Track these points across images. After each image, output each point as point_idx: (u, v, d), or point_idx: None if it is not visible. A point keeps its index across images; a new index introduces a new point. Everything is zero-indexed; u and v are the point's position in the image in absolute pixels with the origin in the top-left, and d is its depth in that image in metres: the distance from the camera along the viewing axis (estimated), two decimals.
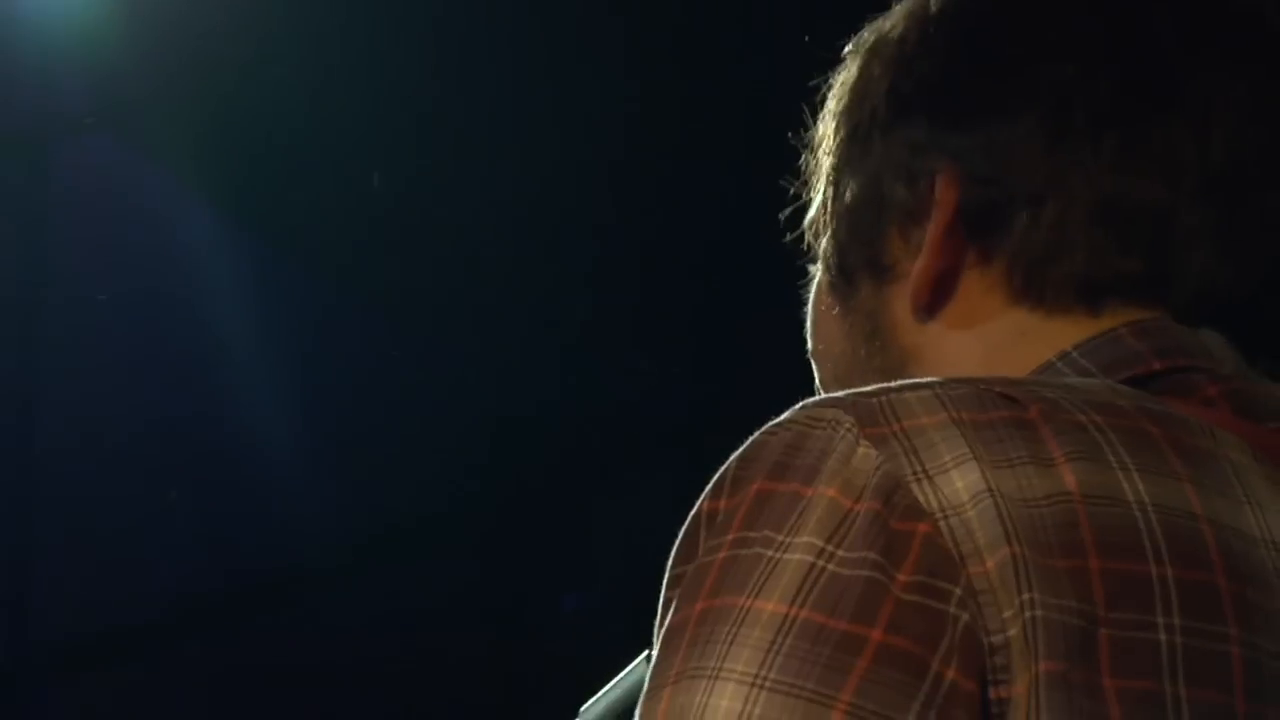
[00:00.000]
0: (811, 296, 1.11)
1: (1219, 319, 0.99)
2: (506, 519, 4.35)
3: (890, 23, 1.06)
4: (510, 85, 3.74)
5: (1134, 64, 1.00)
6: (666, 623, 0.84)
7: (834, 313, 1.08)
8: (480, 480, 4.28)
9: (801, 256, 1.14)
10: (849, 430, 0.84)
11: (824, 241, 1.08)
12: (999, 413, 0.84)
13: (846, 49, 1.09)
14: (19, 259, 4.04)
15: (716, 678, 0.79)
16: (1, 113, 3.84)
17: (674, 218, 3.90)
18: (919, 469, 0.82)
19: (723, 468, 0.86)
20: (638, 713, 0.83)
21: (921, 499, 0.81)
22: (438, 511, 4.32)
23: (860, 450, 0.83)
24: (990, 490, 0.81)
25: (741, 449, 0.86)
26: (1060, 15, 1.02)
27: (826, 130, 1.09)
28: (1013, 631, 0.78)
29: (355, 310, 4.20)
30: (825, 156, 1.09)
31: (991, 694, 0.78)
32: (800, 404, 0.87)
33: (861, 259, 1.05)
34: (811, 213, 1.11)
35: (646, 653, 1.42)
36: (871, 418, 0.84)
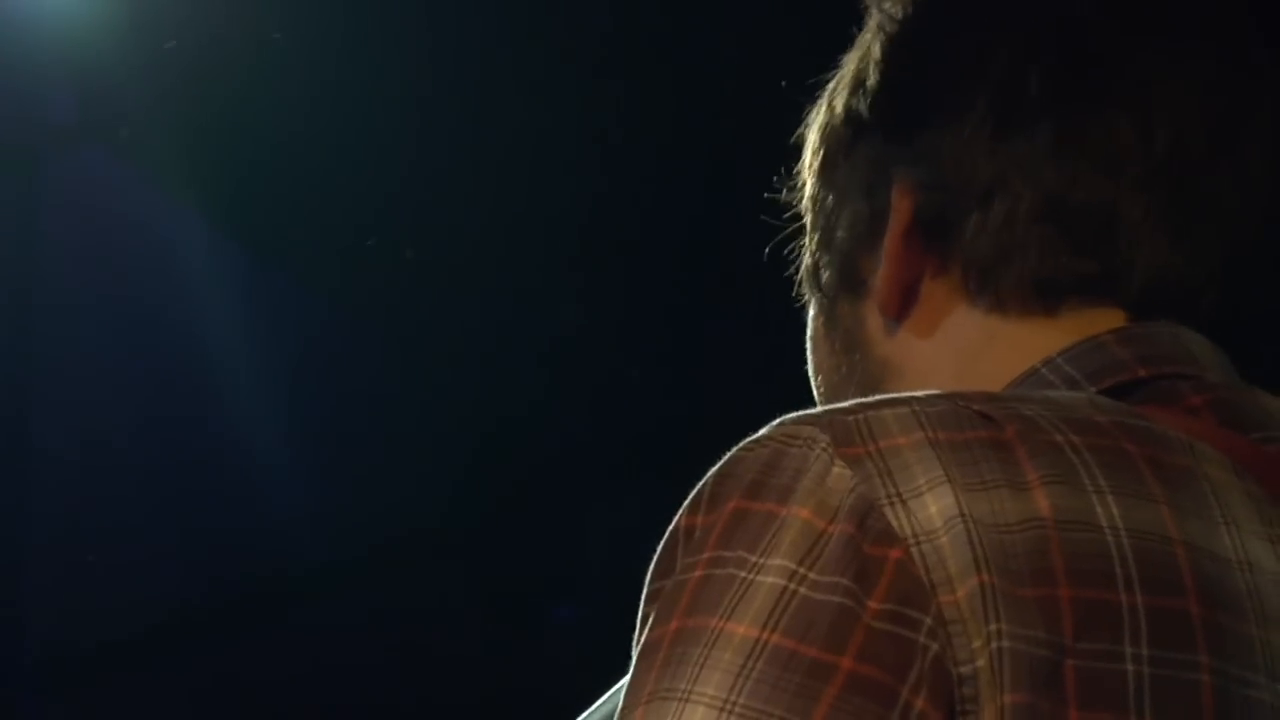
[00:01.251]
0: (809, 322, 1.12)
1: (1175, 311, 0.98)
2: (497, 529, 4.35)
3: (851, 54, 1.08)
4: (502, 95, 3.74)
5: (1068, 54, 0.99)
6: (642, 639, 0.84)
7: (823, 331, 1.09)
8: (471, 491, 4.28)
9: (788, 274, 1.15)
10: (824, 450, 0.83)
11: (809, 265, 1.09)
12: (975, 433, 0.84)
13: (820, 89, 1.11)
14: (10, 269, 4.04)
15: (687, 700, 0.79)
16: None
17: (664, 228, 3.90)
18: (893, 492, 0.82)
19: (700, 483, 0.86)
20: None
21: (895, 524, 0.81)
22: (428, 522, 4.31)
23: (835, 470, 0.82)
24: (963, 515, 0.81)
25: (719, 465, 0.86)
26: (993, 14, 1.02)
27: (804, 163, 1.11)
28: (980, 662, 0.78)
29: (346, 319, 4.20)
30: (806, 187, 1.10)
31: None
32: (778, 420, 0.87)
33: (838, 276, 1.06)
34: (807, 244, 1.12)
35: None
36: (847, 436, 0.84)
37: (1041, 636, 0.79)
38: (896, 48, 1.03)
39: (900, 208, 1.01)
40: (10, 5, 3.62)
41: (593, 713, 1.42)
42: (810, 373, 1.13)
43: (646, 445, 4.20)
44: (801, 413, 0.87)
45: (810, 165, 1.09)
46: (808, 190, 1.09)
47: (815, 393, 1.12)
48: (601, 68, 3.67)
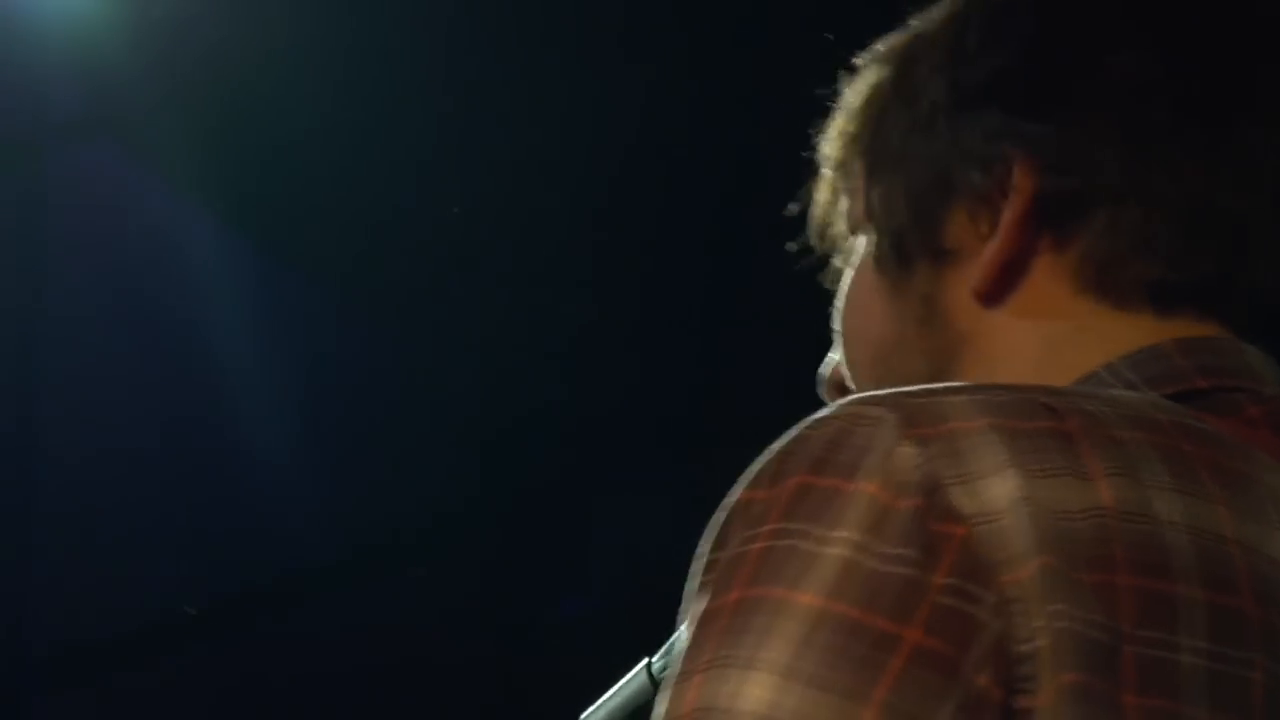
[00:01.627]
0: (851, 278, 1.11)
1: (1248, 323, 1.00)
2: (505, 524, 4.35)
3: (931, 28, 1.06)
4: (511, 91, 3.74)
5: (1215, 64, 1.00)
6: (701, 609, 0.83)
7: (879, 295, 1.07)
8: (478, 486, 4.28)
9: (806, 259, 1.14)
10: (891, 428, 0.83)
11: (873, 227, 1.07)
12: (1040, 422, 0.84)
13: (867, 56, 1.10)
14: (17, 266, 4.04)
15: (750, 667, 0.79)
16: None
17: (676, 226, 3.90)
18: (958, 473, 0.82)
19: (761, 459, 0.86)
20: (663, 696, 0.82)
21: (960, 503, 0.81)
22: (436, 517, 4.31)
23: (902, 449, 0.83)
24: (1027, 499, 0.81)
25: (781, 441, 0.86)
26: (1140, 9, 1.02)
27: (859, 127, 1.09)
28: (1041, 642, 0.78)
29: (354, 317, 4.20)
30: (866, 149, 1.08)
31: (1017, 703, 0.78)
32: (844, 399, 0.87)
33: (921, 242, 1.05)
34: (846, 206, 1.11)
35: (646, 660, 1.42)
36: (914, 418, 0.84)
37: (1100, 620, 0.79)
38: (1032, 26, 1.03)
39: (1024, 186, 1.00)
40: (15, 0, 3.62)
41: (598, 708, 1.42)
42: (845, 335, 1.12)
43: (654, 443, 4.20)
44: (867, 393, 0.88)
45: (883, 107, 1.07)
46: (879, 149, 1.07)
47: (848, 355, 1.11)
48: (618, 61, 3.67)
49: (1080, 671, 0.78)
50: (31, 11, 3.65)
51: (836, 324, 1.13)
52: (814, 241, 1.16)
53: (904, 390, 0.87)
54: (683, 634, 0.85)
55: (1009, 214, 1.01)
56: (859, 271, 1.10)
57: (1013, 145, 1.01)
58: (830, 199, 1.13)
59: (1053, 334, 1.00)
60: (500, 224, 3.90)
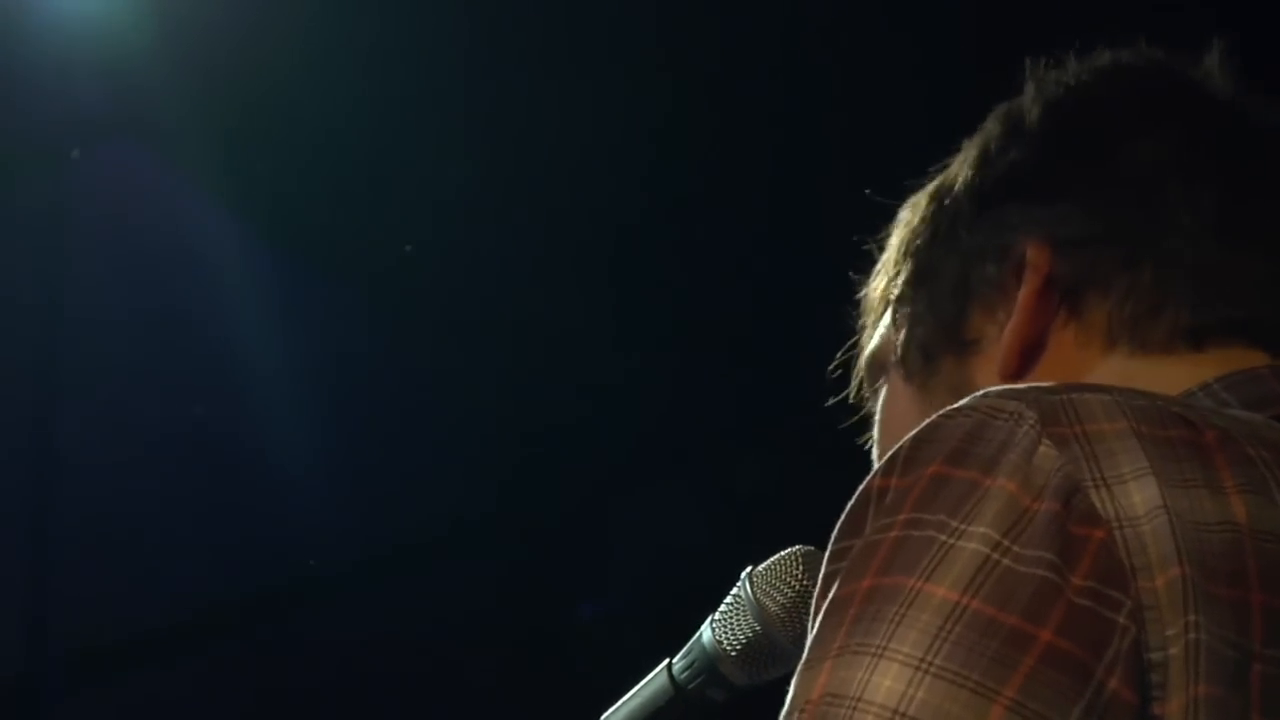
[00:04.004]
0: (881, 402, 1.15)
1: None
2: (524, 527, 4.35)
3: (958, 159, 1.12)
4: (538, 94, 3.74)
5: (1226, 137, 1.04)
6: (830, 595, 0.84)
7: (910, 402, 1.10)
8: (498, 488, 4.28)
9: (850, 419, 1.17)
10: (1032, 426, 0.84)
11: (900, 346, 1.11)
12: (1177, 431, 0.85)
13: (905, 205, 1.15)
14: (40, 266, 4.05)
15: (881, 656, 0.79)
16: (23, 119, 3.85)
17: (699, 230, 3.90)
18: (1098, 476, 0.82)
19: (895, 446, 0.87)
20: (793, 682, 0.82)
21: (1099, 506, 0.82)
22: (455, 520, 4.32)
23: (1042, 449, 0.83)
24: (1166, 507, 0.81)
25: (916, 430, 0.87)
26: (1153, 100, 1.07)
27: (890, 265, 1.14)
28: (1173, 650, 0.79)
29: (376, 320, 4.20)
30: (892, 283, 1.13)
31: (1149, 710, 0.79)
32: (980, 392, 0.88)
33: (944, 340, 1.08)
34: (874, 344, 1.15)
35: (667, 661, 1.43)
36: (1054, 416, 0.84)
37: (1232, 636, 0.79)
38: (1053, 113, 1.07)
39: (1038, 263, 1.03)
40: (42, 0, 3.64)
41: (619, 708, 1.43)
42: (881, 439, 1.15)
43: (673, 448, 4.20)
44: (1005, 387, 0.88)
45: (908, 251, 1.12)
46: (905, 274, 1.12)
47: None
48: (645, 65, 3.67)
49: (1216, 685, 0.78)
50: (55, 12, 3.66)
51: (874, 443, 1.16)
52: (852, 396, 1.19)
53: (1041, 385, 0.88)
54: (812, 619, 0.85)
55: (1025, 290, 1.04)
56: (889, 391, 1.14)
57: (1026, 231, 1.05)
58: (867, 347, 1.18)
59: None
60: (524, 233, 3.90)
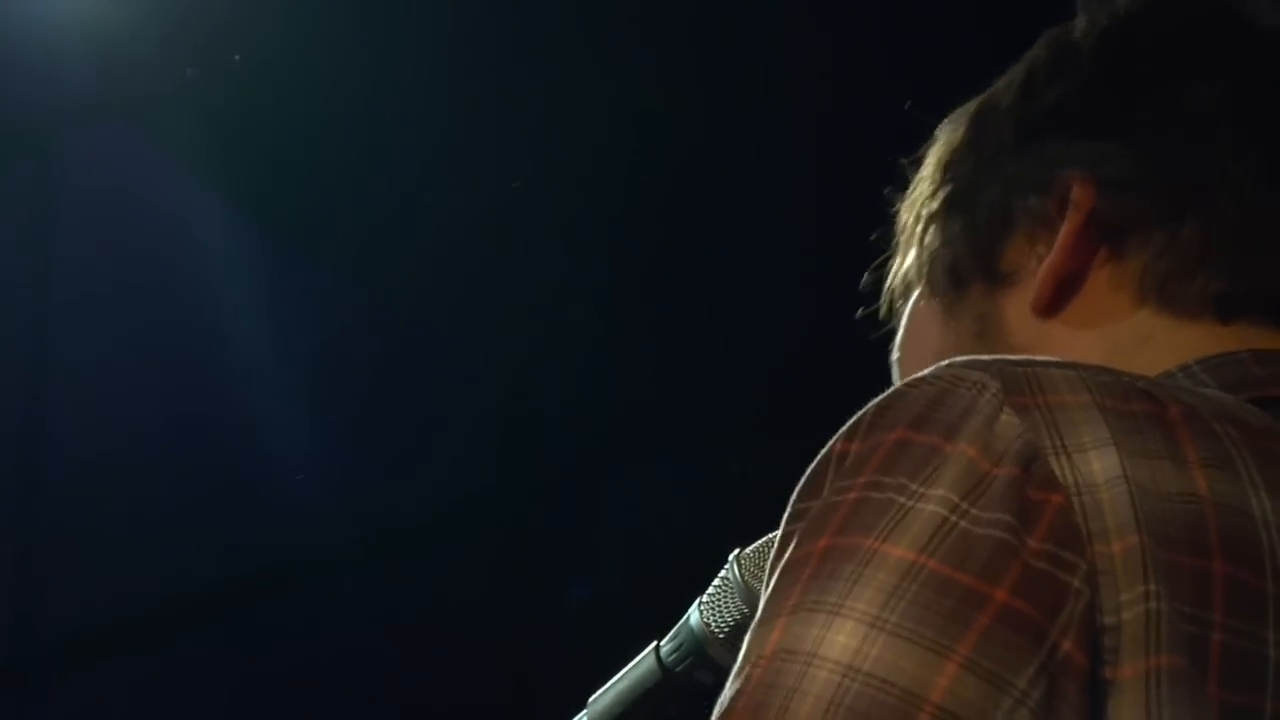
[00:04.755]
0: (907, 314, 1.14)
1: None
2: (514, 509, 4.36)
3: (1004, 81, 1.10)
4: (527, 80, 3.74)
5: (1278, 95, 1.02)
6: (786, 555, 0.84)
7: (933, 318, 1.10)
8: (487, 470, 4.29)
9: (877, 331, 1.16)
10: (995, 395, 0.85)
11: (929, 261, 1.11)
12: (1141, 405, 0.85)
13: (942, 123, 1.14)
14: (27, 250, 4.04)
15: (836, 614, 0.79)
16: (8, 103, 3.84)
17: (685, 214, 3.90)
18: (1059, 444, 0.83)
19: (859, 413, 0.87)
20: (746, 639, 0.82)
21: (1058, 472, 0.82)
22: (444, 503, 4.32)
23: (1003, 417, 0.84)
24: (1126, 477, 0.82)
25: (880, 398, 0.87)
26: (1206, 39, 1.05)
27: (929, 187, 1.12)
28: (1127, 616, 0.79)
29: (365, 303, 4.20)
30: (929, 200, 1.12)
31: (1100, 674, 0.79)
32: (944, 361, 0.88)
33: (977, 266, 1.08)
34: (908, 262, 1.14)
35: (655, 643, 1.43)
36: (1016, 386, 0.85)
37: (1190, 607, 0.80)
38: (1107, 46, 1.06)
39: (1082, 201, 1.03)
40: None
41: (607, 690, 1.43)
42: (900, 360, 1.15)
43: (664, 431, 4.20)
44: (969, 357, 0.88)
45: (948, 169, 1.11)
46: (943, 193, 1.11)
47: (906, 375, 1.14)
48: (632, 55, 3.67)
49: (1177, 654, 0.79)
50: None
51: (894, 355, 1.16)
52: (883, 312, 1.19)
53: (1006, 358, 0.88)
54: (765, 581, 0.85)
55: (1066, 227, 1.03)
56: (913, 306, 1.13)
57: (1072, 166, 1.04)
58: (900, 265, 1.16)
59: (1117, 341, 1.02)
60: (515, 213, 3.90)
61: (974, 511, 0.81)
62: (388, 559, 4.36)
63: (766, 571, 0.86)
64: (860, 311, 1.21)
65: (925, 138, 1.16)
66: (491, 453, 4.24)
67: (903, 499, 0.81)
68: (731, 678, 0.81)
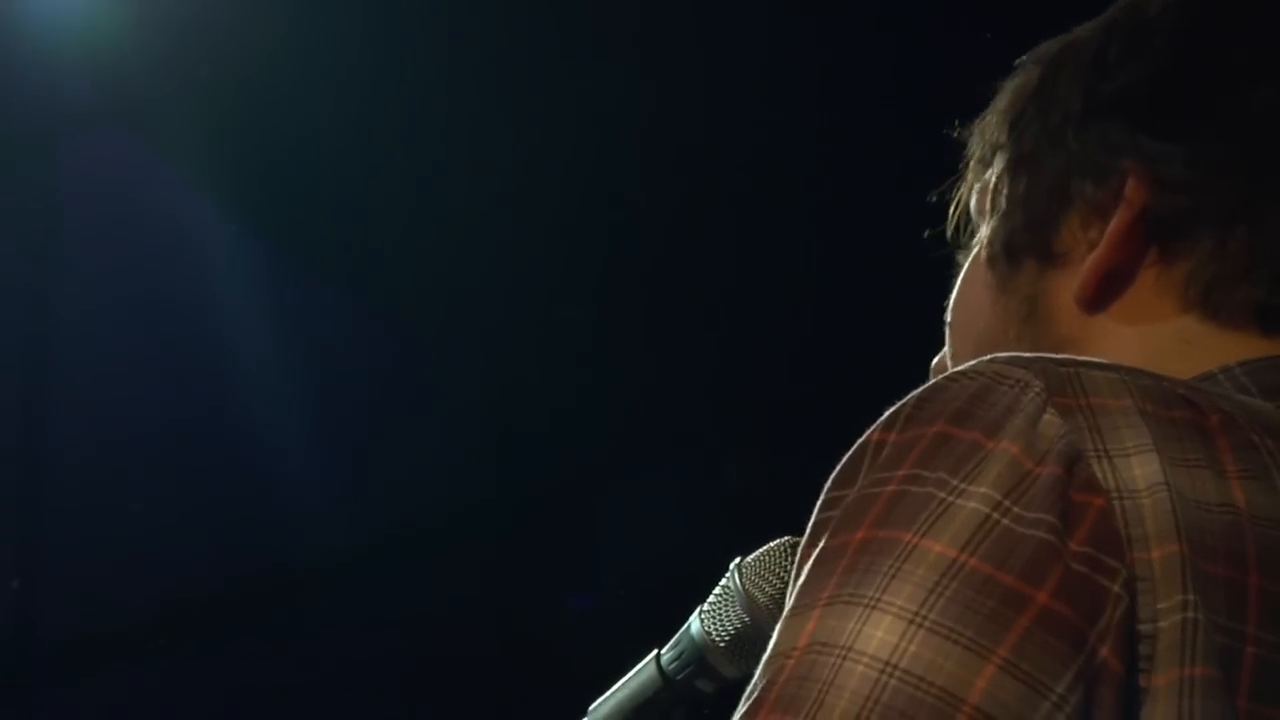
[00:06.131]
0: (964, 272, 1.12)
1: None
2: (512, 519, 4.36)
3: (1083, 35, 1.08)
4: (524, 90, 3.74)
5: None
6: (820, 544, 0.83)
7: (987, 291, 1.09)
8: (486, 480, 4.28)
9: (938, 250, 1.15)
10: (1038, 394, 0.84)
11: (990, 223, 1.09)
12: (1181, 413, 0.85)
13: (1020, 60, 1.12)
14: (29, 257, 4.04)
15: (874, 607, 0.78)
16: (11, 108, 3.84)
17: (684, 228, 3.90)
18: (1101, 447, 0.82)
19: (897, 404, 0.86)
20: (777, 629, 0.81)
21: (1100, 476, 0.81)
22: (444, 512, 4.32)
23: (1047, 416, 0.83)
24: (1167, 484, 0.81)
25: (919, 390, 0.86)
26: (1270, 42, 1.03)
27: (998, 128, 1.10)
28: (1163, 624, 0.78)
29: (365, 313, 4.20)
30: (1000, 150, 1.10)
31: (1135, 681, 0.78)
32: (987, 357, 0.87)
33: (1031, 243, 1.06)
34: (974, 199, 1.13)
35: (656, 651, 1.43)
36: (1060, 387, 0.84)
37: (1225, 618, 0.79)
38: (1171, 46, 1.04)
39: (1135, 197, 1.02)
40: None
41: (607, 699, 1.44)
42: (951, 325, 1.13)
43: (660, 441, 4.20)
44: (1011, 354, 0.87)
45: (1017, 124, 1.09)
46: (1004, 155, 1.10)
47: (952, 345, 1.13)
48: (636, 60, 3.67)
49: (1209, 666, 0.78)
50: (44, 4, 3.65)
51: (948, 315, 1.14)
52: (949, 234, 1.17)
53: (1049, 357, 0.87)
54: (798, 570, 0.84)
55: (1116, 223, 1.02)
56: (972, 266, 1.12)
57: (1131, 158, 1.02)
58: (966, 193, 1.15)
59: (1157, 343, 1.01)
60: (513, 224, 3.90)
61: (1016, 510, 0.80)
62: (387, 570, 4.35)
63: (797, 560, 0.84)
64: (926, 233, 1.19)
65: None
66: (490, 464, 4.24)
67: (943, 494, 0.80)
68: (761, 668, 0.80)
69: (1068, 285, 1.04)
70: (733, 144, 3.73)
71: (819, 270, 3.42)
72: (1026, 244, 1.06)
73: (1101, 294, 1.02)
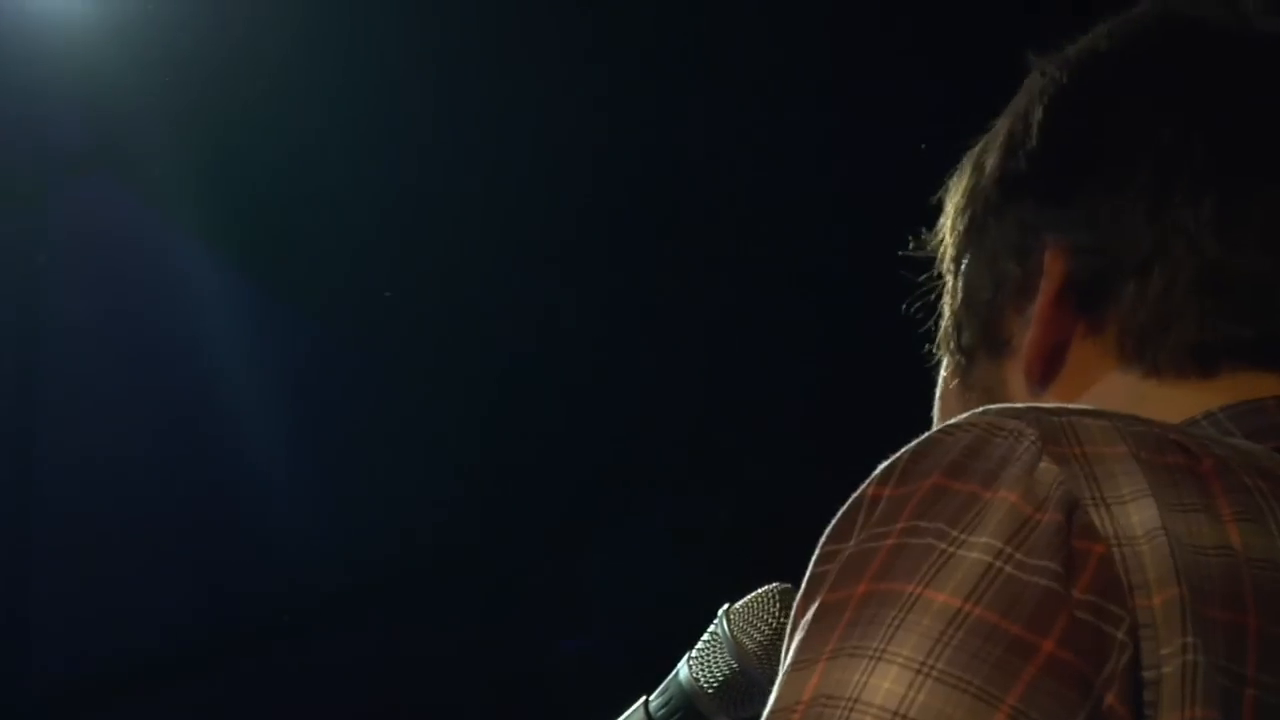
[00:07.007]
0: (940, 377, 1.14)
1: None
2: (502, 562, 4.35)
3: (999, 125, 1.10)
4: (513, 109, 3.75)
5: (1232, 130, 1.02)
6: (818, 599, 0.82)
7: (955, 391, 1.10)
8: (475, 523, 4.28)
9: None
10: (1032, 443, 0.84)
11: (944, 325, 1.11)
12: (1175, 458, 0.85)
13: (964, 158, 1.13)
14: (17, 298, 4.04)
15: (880, 658, 0.78)
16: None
17: (675, 256, 3.91)
18: (1097, 495, 0.82)
19: (892, 458, 0.86)
20: (778, 684, 0.80)
21: (1098, 524, 0.81)
22: (433, 555, 4.31)
23: (1043, 465, 0.83)
24: (1165, 529, 0.81)
25: (914, 443, 0.86)
26: (1158, 86, 1.04)
27: (946, 227, 1.12)
28: (1166, 669, 0.78)
29: (353, 352, 4.20)
30: (947, 250, 1.12)
31: None
32: (979, 409, 0.87)
33: (978, 336, 1.08)
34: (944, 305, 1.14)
35: (644, 698, 1.42)
36: (1054, 436, 0.84)
37: (1226, 661, 0.79)
38: (1059, 111, 1.05)
39: (1053, 270, 1.03)
40: (18, 33, 3.63)
41: None
42: (936, 419, 1.14)
43: (652, 482, 4.20)
44: (1004, 405, 0.88)
45: (954, 227, 1.11)
46: (950, 251, 1.11)
47: None
48: (618, 68, 3.68)
49: (1209, 708, 0.78)
50: (32, 46, 3.66)
51: (933, 413, 1.16)
52: (934, 347, 1.19)
53: (1042, 406, 0.87)
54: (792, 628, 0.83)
55: (1041, 299, 1.03)
56: (944, 370, 1.13)
57: (1046, 232, 1.04)
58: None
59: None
60: (501, 261, 3.91)
61: (1019, 556, 0.80)
62: (375, 613, 4.34)
63: (792, 616, 0.84)
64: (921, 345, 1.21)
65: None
66: (477, 508, 4.23)
67: (944, 545, 0.80)
68: None
69: (1018, 370, 1.05)
70: (740, 162, 3.73)
71: (805, 311, 3.42)
72: (975, 339, 1.08)
73: (1047, 371, 1.03)
